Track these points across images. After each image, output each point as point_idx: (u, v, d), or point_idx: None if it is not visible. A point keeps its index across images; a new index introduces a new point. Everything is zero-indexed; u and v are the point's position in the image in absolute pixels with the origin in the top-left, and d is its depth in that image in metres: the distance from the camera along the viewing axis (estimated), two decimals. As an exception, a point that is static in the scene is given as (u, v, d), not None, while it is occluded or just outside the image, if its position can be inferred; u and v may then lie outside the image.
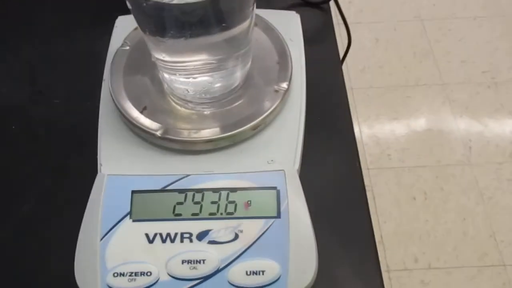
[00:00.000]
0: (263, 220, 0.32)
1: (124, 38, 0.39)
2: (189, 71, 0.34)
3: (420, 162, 1.21)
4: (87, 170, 0.34)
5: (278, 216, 0.32)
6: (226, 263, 0.31)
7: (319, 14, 0.47)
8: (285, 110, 0.36)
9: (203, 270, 0.31)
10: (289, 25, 0.41)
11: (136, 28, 0.39)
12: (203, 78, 0.34)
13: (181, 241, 0.31)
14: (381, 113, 1.30)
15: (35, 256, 0.35)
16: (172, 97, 0.36)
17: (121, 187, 0.33)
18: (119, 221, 0.32)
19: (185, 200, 0.32)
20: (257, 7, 0.34)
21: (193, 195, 0.32)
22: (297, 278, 0.30)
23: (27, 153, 0.39)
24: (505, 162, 1.21)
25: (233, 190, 0.32)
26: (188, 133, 0.34)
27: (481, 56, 1.40)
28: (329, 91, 0.41)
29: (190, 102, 0.36)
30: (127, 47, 0.38)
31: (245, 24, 0.32)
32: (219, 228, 0.32)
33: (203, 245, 0.31)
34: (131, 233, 0.32)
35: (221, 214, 0.32)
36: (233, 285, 0.30)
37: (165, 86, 0.36)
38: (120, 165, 0.34)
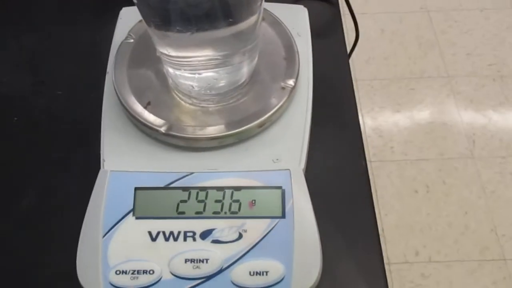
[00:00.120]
0: (267, 220, 0.31)
1: (128, 31, 0.38)
2: (194, 67, 0.33)
3: (423, 155, 1.21)
4: (90, 164, 0.34)
5: (283, 216, 0.31)
6: (230, 263, 0.30)
7: (327, 7, 0.46)
8: (291, 107, 0.35)
9: (206, 269, 0.30)
10: (297, 19, 0.40)
11: (140, 21, 0.38)
12: (209, 74, 0.34)
13: (184, 239, 0.31)
14: (385, 105, 1.29)
15: (37, 252, 0.35)
16: (176, 93, 0.36)
17: (124, 184, 0.33)
18: (121, 218, 0.32)
19: (188, 198, 0.32)
20: (265, 1, 0.33)
21: (197, 193, 0.32)
22: (301, 279, 0.30)
23: (28, 146, 0.39)
24: (509, 156, 1.20)
25: (238, 188, 0.32)
26: (192, 130, 0.33)
27: (487, 49, 1.39)
28: (336, 87, 0.40)
29: (195, 98, 0.35)
30: (131, 40, 0.38)
31: (253, 19, 0.31)
32: (223, 227, 0.31)
33: (206, 244, 0.31)
34: (134, 230, 0.31)
35: (225, 213, 0.32)
36: (236, 285, 0.30)
37: (170, 81, 0.36)
38: (123, 161, 0.34)
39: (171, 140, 0.33)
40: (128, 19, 0.40)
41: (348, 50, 0.45)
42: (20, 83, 0.43)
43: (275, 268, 0.30)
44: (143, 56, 0.37)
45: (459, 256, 1.07)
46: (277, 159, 0.33)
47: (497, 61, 1.36)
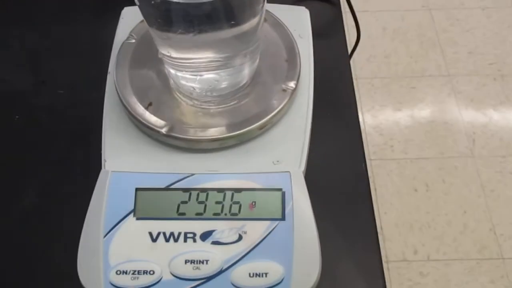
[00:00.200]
0: (267, 222, 0.31)
1: (130, 31, 0.38)
2: (195, 68, 0.33)
3: (423, 153, 1.21)
4: (91, 165, 0.34)
5: (283, 218, 0.31)
6: (229, 264, 0.31)
7: (329, 8, 0.46)
8: (292, 109, 0.35)
9: (206, 270, 0.31)
10: (299, 21, 0.40)
11: (142, 21, 0.38)
12: (210, 76, 0.34)
13: (185, 240, 0.31)
14: (386, 103, 1.29)
15: (38, 252, 0.35)
16: (178, 94, 0.36)
17: (125, 184, 0.33)
18: (122, 219, 0.32)
19: (189, 199, 0.32)
20: (267, 1, 0.33)
21: (198, 195, 0.32)
22: (300, 281, 0.30)
23: (29, 145, 0.39)
24: (509, 156, 1.21)
25: (238, 190, 0.32)
26: (194, 131, 0.33)
27: (488, 48, 1.38)
28: (337, 89, 0.40)
29: (196, 99, 0.35)
30: (133, 40, 0.38)
31: (255, 20, 0.31)
32: (223, 229, 0.31)
33: (206, 245, 0.31)
34: (135, 231, 0.32)
35: (225, 214, 0.32)
36: (236, 286, 0.30)
37: (171, 82, 0.36)
38: (125, 161, 0.34)
39: (172, 141, 0.34)
40: (130, 19, 0.40)
41: (350, 49, 0.45)
42: (22, 82, 0.43)
43: (274, 269, 0.30)
44: (145, 56, 0.37)
45: (457, 254, 1.08)
46: (278, 161, 0.33)
47: (498, 60, 1.36)
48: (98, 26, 0.44)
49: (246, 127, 0.33)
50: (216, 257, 0.31)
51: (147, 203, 0.32)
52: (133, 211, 0.32)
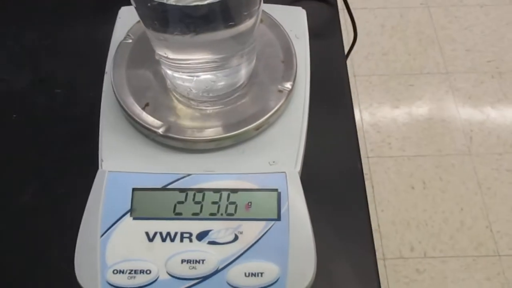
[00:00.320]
0: (263, 222, 0.32)
1: (127, 31, 0.38)
2: (192, 69, 0.33)
3: (421, 151, 1.21)
4: (88, 164, 0.34)
5: (279, 218, 0.32)
6: (225, 264, 0.31)
7: (325, 8, 0.46)
8: (288, 110, 0.35)
9: (202, 270, 0.31)
10: (295, 21, 0.40)
11: (139, 21, 0.38)
12: (207, 76, 0.34)
13: (181, 240, 0.31)
14: (384, 101, 1.29)
15: (36, 251, 0.35)
16: (175, 94, 0.36)
17: (122, 184, 0.33)
18: (119, 219, 0.32)
19: (185, 199, 0.32)
20: (263, 1, 0.33)
21: (194, 195, 0.32)
22: (295, 281, 0.31)
23: (27, 145, 0.39)
24: (506, 153, 1.21)
25: (234, 191, 0.32)
26: (190, 132, 0.33)
27: (486, 45, 1.39)
28: (333, 90, 0.41)
29: (193, 100, 0.35)
30: (130, 40, 0.38)
31: (251, 22, 0.32)
32: (219, 229, 0.32)
33: (202, 245, 0.31)
34: (131, 230, 0.32)
35: (222, 214, 0.32)
36: (231, 286, 0.31)
37: (168, 82, 0.36)
38: (121, 161, 0.34)
39: (169, 141, 0.34)
40: (127, 18, 0.40)
41: (347, 48, 0.45)
42: (19, 82, 0.43)
43: (270, 269, 0.31)
44: (142, 56, 0.37)
45: (454, 252, 1.08)
46: (274, 162, 0.34)
47: (496, 57, 1.36)
48: (95, 25, 0.44)
49: (242, 128, 0.33)
50: (212, 257, 0.31)
51: (144, 203, 0.32)
52: (130, 211, 0.32)
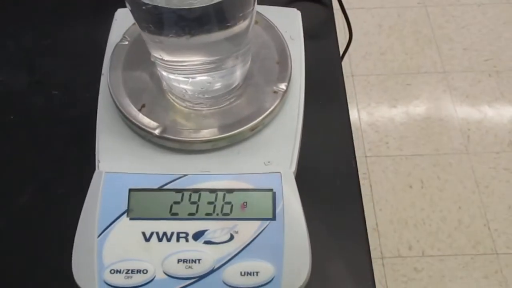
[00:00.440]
0: (258, 222, 0.32)
1: (123, 33, 0.39)
2: (188, 71, 0.34)
3: (418, 150, 1.22)
4: (85, 165, 0.35)
5: (274, 218, 0.32)
6: (221, 263, 0.31)
7: (320, 9, 0.47)
8: (283, 111, 0.36)
9: (198, 269, 0.31)
10: (290, 22, 0.40)
11: (135, 23, 0.38)
12: (202, 78, 0.34)
13: (177, 240, 0.32)
14: (381, 100, 1.30)
15: (33, 251, 0.35)
16: (171, 95, 0.36)
17: (119, 185, 0.33)
18: (116, 219, 0.32)
19: (182, 199, 0.33)
20: (258, 3, 0.33)
21: (190, 195, 0.33)
22: (290, 280, 0.31)
23: (24, 146, 0.40)
24: (503, 152, 1.21)
25: (230, 191, 0.33)
26: (186, 133, 0.34)
27: (484, 44, 1.39)
28: (328, 90, 0.41)
29: (189, 101, 0.36)
30: (126, 42, 0.38)
31: (245, 23, 0.32)
32: (215, 229, 0.32)
33: (198, 245, 0.32)
34: (128, 231, 0.32)
35: (217, 214, 0.32)
36: (227, 285, 0.31)
37: (164, 84, 0.36)
38: (118, 162, 0.34)
39: (165, 142, 0.34)
40: (123, 20, 0.40)
41: (344, 48, 0.45)
42: (16, 83, 0.43)
43: (265, 268, 0.31)
44: (138, 58, 0.37)
45: (452, 250, 1.09)
46: (269, 162, 0.34)
47: (493, 56, 1.37)
48: (92, 27, 0.44)
49: (237, 129, 0.34)
50: (208, 256, 0.31)
51: (141, 203, 0.33)
52: (127, 211, 0.32)
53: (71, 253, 0.31)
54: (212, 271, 0.31)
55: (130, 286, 0.31)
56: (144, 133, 0.34)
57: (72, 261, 0.31)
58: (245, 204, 0.32)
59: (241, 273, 0.31)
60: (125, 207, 0.32)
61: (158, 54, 0.33)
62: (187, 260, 0.31)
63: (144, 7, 0.28)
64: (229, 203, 0.32)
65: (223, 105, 0.36)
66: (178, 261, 0.31)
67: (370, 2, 1.47)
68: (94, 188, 0.33)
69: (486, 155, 1.21)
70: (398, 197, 1.15)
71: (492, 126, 1.25)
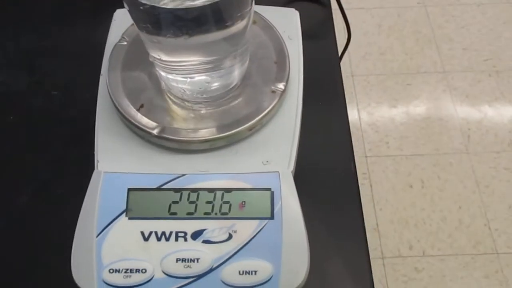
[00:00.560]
0: (256, 221, 0.32)
1: (122, 33, 0.39)
2: (186, 71, 0.34)
3: (418, 150, 1.22)
4: (84, 165, 0.35)
5: (272, 217, 0.32)
6: (220, 262, 0.31)
7: (319, 9, 0.47)
8: (281, 111, 0.36)
9: (197, 268, 0.31)
10: (288, 22, 0.40)
11: (134, 24, 0.39)
12: (201, 78, 0.34)
13: (176, 239, 0.32)
14: (381, 100, 1.30)
15: (32, 251, 0.35)
16: (169, 95, 0.36)
17: (118, 185, 0.33)
18: (115, 219, 0.32)
19: (180, 199, 0.33)
20: (257, 3, 0.34)
21: (189, 195, 0.33)
22: (288, 279, 0.31)
23: (23, 146, 0.40)
24: (503, 151, 1.21)
25: (228, 190, 0.33)
26: (184, 133, 0.34)
27: (483, 44, 1.39)
28: (326, 90, 0.41)
29: (187, 101, 0.36)
30: (125, 43, 0.38)
31: (242, 23, 0.32)
32: (214, 228, 0.32)
33: (197, 244, 0.32)
34: (127, 230, 0.32)
35: (216, 214, 0.32)
36: (226, 284, 0.31)
37: (162, 84, 0.36)
38: (117, 162, 0.34)
39: (164, 142, 0.34)
40: (122, 21, 0.40)
41: (342, 48, 0.45)
42: (16, 83, 0.43)
43: (263, 267, 0.31)
44: (137, 58, 0.37)
45: (452, 250, 1.09)
46: (267, 161, 0.34)
47: (493, 56, 1.37)
48: (90, 28, 0.45)
49: (236, 128, 0.34)
50: (207, 255, 0.31)
51: (139, 203, 0.33)
52: (126, 211, 0.32)
53: (70, 253, 0.32)
54: (211, 270, 0.31)
55: (129, 285, 0.31)
56: (142, 133, 0.34)
57: (71, 261, 0.31)
58: (243, 203, 0.32)
59: (239, 272, 0.31)
60: (124, 207, 0.33)
61: (156, 54, 0.33)
62: (185, 260, 0.31)
63: (141, 7, 0.28)
64: (227, 202, 0.33)
65: (221, 105, 0.36)
66: (177, 260, 0.31)
67: (370, 2, 1.47)
68: (93, 187, 0.33)
69: (486, 155, 1.21)
70: (398, 197, 1.15)
71: (492, 126, 1.25)
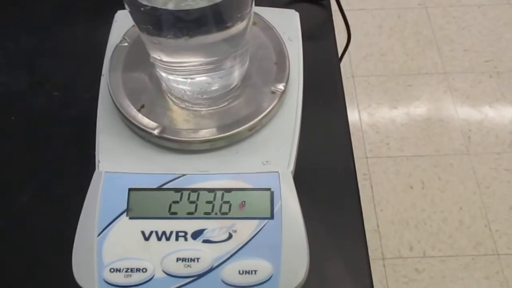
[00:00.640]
0: (256, 221, 0.32)
1: (123, 34, 0.39)
2: (186, 72, 0.34)
3: (419, 151, 1.22)
4: (85, 165, 0.35)
5: (272, 217, 0.32)
6: (220, 262, 0.31)
7: (319, 10, 0.47)
8: (281, 111, 0.36)
9: (197, 268, 0.31)
10: (288, 24, 0.41)
11: (134, 25, 0.39)
12: (201, 79, 0.34)
13: (176, 239, 0.32)
14: (382, 101, 1.30)
15: (34, 250, 0.36)
16: (170, 96, 0.37)
17: (118, 185, 0.33)
18: (116, 218, 0.33)
19: (180, 199, 0.33)
20: (257, 4, 0.34)
21: (189, 195, 0.33)
22: (288, 278, 0.31)
23: (24, 146, 0.40)
24: (504, 152, 1.22)
25: (228, 190, 0.33)
26: (185, 133, 0.34)
27: (484, 45, 1.39)
28: (326, 91, 0.41)
29: (188, 101, 0.36)
30: (126, 44, 0.38)
31: (242, 24, 0.32)
32: (214, 228, 0.32)
33: (197, 244, 0.32)
34: (128, 230, 0.32)
35: (216, 213, 0.33)
36: (226, 283, 0.31)
37: (163, 84, 0.37)
38: (118, 162, 0.35)
39: (164, 142, 0.34)
40: (123, 22, 0.41)
41: (343, 49, 0.45)
42: (17, 84, 0.44)
43: (263, 267, 0.31)
44: (138, 59, 0.38)
45: (453, 251, 1.09)
46: (267, 162, 0.34)
47: (494, 57, 1.37)
48: (92, 29, 0.45)
49: (236, 129, 0.34)
50: (207, 255, 0.32)
51: (140, 203, 0.33)
52: (126, 210, 0.33)
53: (71, 252, 0.32)
54: (211, 269, 0.31)
55: (130, 284, 0.31)
56: (143, 133, 0.35)
57: (72, 260, 0.32)
58: (243, 203, 0.33)
59: (239, 271, 0.31)
60: (125, 207, 0.33)
61: (157, 55, 0.33)
62: (186, 259, 0.32)
63: (142, 9, 0.28)
64: (227, 202, 0.33)
65: (221, 105, 0.36)
66: (177, 259, 0.32)
67: (371, 3, 1.47)
68: (94, 187, 0.33)
69: (487, 156, 1.21)
70: (399, 198, 1.15)
71: (493, 127, 1.25)
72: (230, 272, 0.31)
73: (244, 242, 0.32)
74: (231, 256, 0.32)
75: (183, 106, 0.36)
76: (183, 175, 0.34)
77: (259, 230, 0.32)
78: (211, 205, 0.33)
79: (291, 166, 0.34)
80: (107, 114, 0.37)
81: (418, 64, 1.36)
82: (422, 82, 1.33)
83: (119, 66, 0.37)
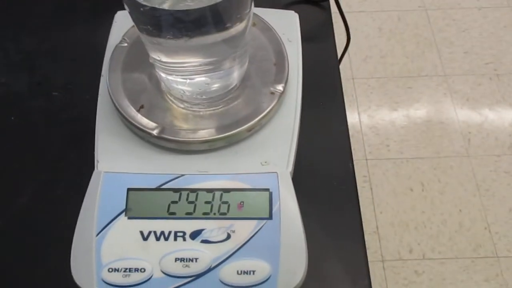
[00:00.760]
0: (255, 221, 0.32)
1: (122, 35, 0.39)
2: (186, 72, 0.34)
3: (419, 153, 1.22)
4: (84, 165, 0.35)
5: (270, 217, 0.32)
6: (218, 262, 0.32)
7: (319, 12, 0.47)
8: (280, 112, 0.36)
9: (195, 268, 0.31)
10: (288, 25, 0.41)
11: (134, 25, 0.39)
12: (200, 79, 0.35)
13: (175, 239, 0.32)
14: (382, 103, 1.30)
15: (33, 250, 0.36)
16: (169, 96, 0.37)
17: (117, 185, 0.34)
18: (114, 218, 0.33)
19: (179, 199, 0.33)
20: (256, 5, 0.34)
21: (188, 195, 0.33)
22: (286, 279, 0.31)
23: (24, 146, 0.40)
24: (504, 155, 1.22)
25: (227, 190, 0.33)
26: (184, 133, 0.34)
27: (484, 47, 1.39)
28: (325, 92, 0.41)
29: (187, 102, 0.36)
30: (125, 44, 0.38)
31: (242, 25, 0.32)
32: (212, 228, 0.32)
33: (196, 244, 0.32)
34: (126, 230, 0.32)
35: (214, 214, 0.33)
36: (224, 283, 0.31)
37: (162, 85, 0.37)
38: (117, 162, 0.35)
39: (163, 143, 0.35)
40: (123, 22, 0.41)
41: (342, 51, 0.46)
42: (17, 84, 0.44)
43: (261, 267, 0.31)
44: (137, 60, 0.38)
45: (452, 253, 1.08)
46: (266, 162, 0.34)
47: (494, 59, 1.37)
48: (91, 29, 0.45)
49: (235, 129, 0.34)
50: (205, 255, 0.32)
51: (139, 203, 0.33)
52: (125, 210, 0.33)
53: (70, 252, 0.32)
54: (209, 270, 0.31)
55: (128, 284, 0.31)
56: (142, 133, 0.35)
57: (71, 260, 0.32)
58: (242, 203, 0.33)
59: (237, 272, 0.31)
60: (123, 207, 0.33)
61: (156, 56, 0.33)
62: (184, 259, 0.32)
63: (142, 9, 0.28)
64: (226, 202, 0.33)
65: (220, 106, 0.36)
66: (176, 260, 0.32)
67: (371, 5, 1.47)
68: (93, 187, 0.33)
69: (487, 158, 1.21)
70: (398, 200, 1.15)
71: (492, 129, 1.25)
72: (228, 272, 0.31)
73: (243, 243, 0.32)
74: (230, 256, 0.32)
75: (183, 106, 0.36)
76: (182, 175, 0.34)
77: (258, 231, 0.32)
78: (209, 205, 0.33)
79: (290, 167, 0.34)
80: (106, 114, 0.37)
81: (418, 66, 1.36)
82: (422, 84, 1.33)
83: (118, 67, 0.37)
